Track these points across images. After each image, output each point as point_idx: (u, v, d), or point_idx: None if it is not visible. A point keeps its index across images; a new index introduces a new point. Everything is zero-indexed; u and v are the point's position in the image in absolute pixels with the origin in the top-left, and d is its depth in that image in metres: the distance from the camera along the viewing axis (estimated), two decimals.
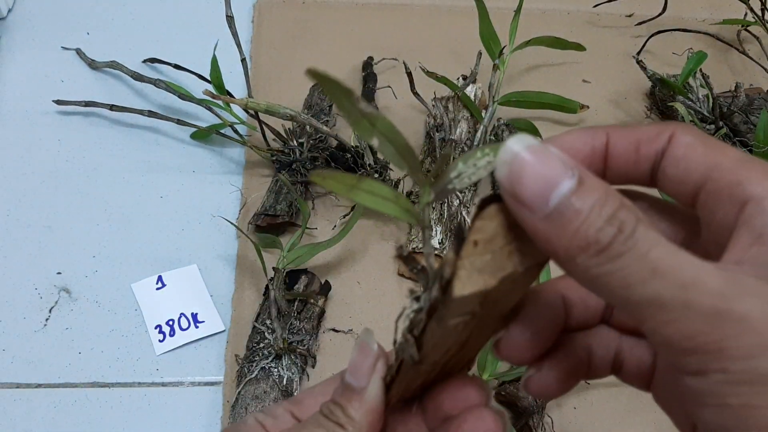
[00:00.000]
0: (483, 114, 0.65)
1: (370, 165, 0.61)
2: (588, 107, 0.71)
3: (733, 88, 0.72)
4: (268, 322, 0.53)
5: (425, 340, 0.23)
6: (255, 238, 0.58)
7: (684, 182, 0.23)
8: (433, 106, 0.67)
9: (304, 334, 0.53)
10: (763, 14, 0.75)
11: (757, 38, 0.78)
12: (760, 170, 0.21)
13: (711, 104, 0.68)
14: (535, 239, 0.21)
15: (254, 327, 0.54)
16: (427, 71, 0.63)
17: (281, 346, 0.51)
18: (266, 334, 0.52)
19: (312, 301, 0.55)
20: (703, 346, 0.19)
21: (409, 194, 0.63)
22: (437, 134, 0.64)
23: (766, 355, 0.19)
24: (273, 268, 0.55)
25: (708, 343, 0.19)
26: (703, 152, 0.22)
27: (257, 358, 0.52)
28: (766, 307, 0.19)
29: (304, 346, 0.53)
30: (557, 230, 0.20)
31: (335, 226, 0.62)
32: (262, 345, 0.52)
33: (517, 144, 0.21)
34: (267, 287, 0.55)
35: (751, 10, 0.75)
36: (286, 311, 0.54)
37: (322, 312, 0.56)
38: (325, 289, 0.57)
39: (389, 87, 0.71)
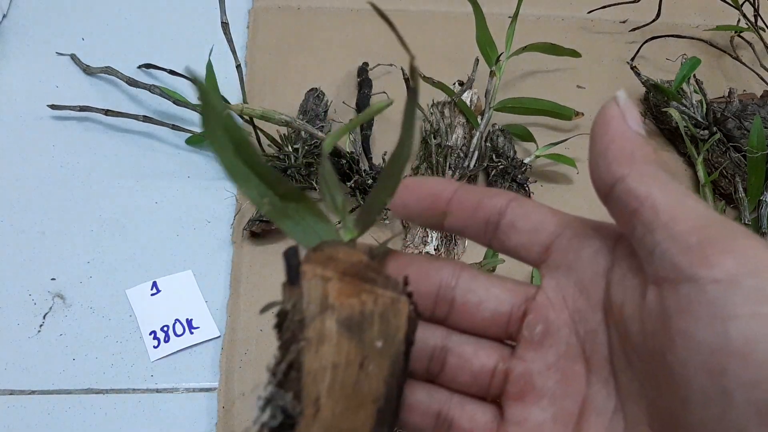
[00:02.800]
0: (479, 120, 0.65)
1: (365, 171, 0.61)
2: (583, 114, 0.72)
3: (726, 94, 0.72)
4: None
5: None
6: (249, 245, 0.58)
7: (538, 231, 0.27)
8: (430, 112, 0.67)
9: None
10: (755, 20, 0.76)
11: (750, 44, 0.79)
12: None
13: (705, 110, 0.69)
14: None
15: None
16: (424, 77, 0.63)
17: None
18: None
19: None
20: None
21: None
22: (434, 140, 0.64)
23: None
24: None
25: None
26: (550, 211, 0.27)
27: None
28: None
29: None
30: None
31: None
32: None
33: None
34: None
35: (744, 16, 0.75)
36: None
37: None
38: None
39: (384, 93, 0.71)
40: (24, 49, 0.74)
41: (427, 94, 0.67)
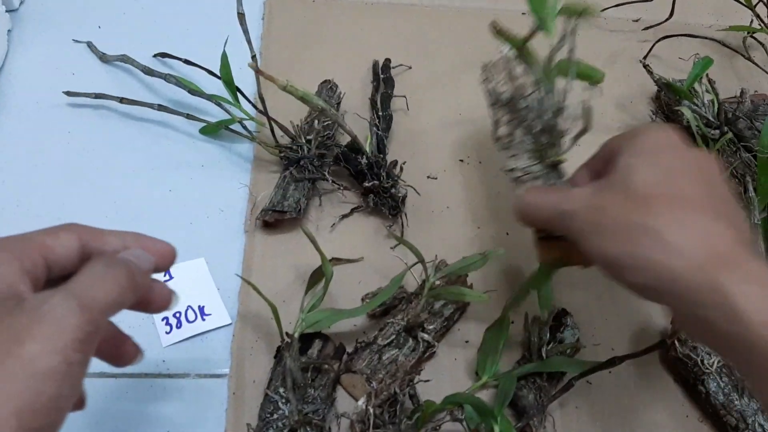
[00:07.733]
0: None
1: (383, 176, 0.60)
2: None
3: (738, 94, 0.72)
4: (281, 390, 0.50)
5: None
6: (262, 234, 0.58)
7: None
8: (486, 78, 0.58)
9: (320, 403, 0.50)
10: None
11: (763, 45, 0.79)
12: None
13: (716, 109, 0.69)
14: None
15: (266, 395, 0.51)
16: (498, 29, 0.53)
17: (296, 418, 0.48)
18: (279, 404, 0.49)
19: (326, 366, 0.52)
20: None
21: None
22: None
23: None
24: (286, 333, 0.52)
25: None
26: None
27: (271, 431, 0.49)
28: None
29: (319, 416, 0.50)
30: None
31: (334, 225, 0.62)
32: (275, 416, 0.49)
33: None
34: (279, 350, 0.53)
35: (758, 16, 0.75)
36: (302, 382, 0.50)
37: (338, 378, 0.53)
38: (340, 351, 0.54)
39: (404, 97, 0.71)
40: (41, 36, 0.74)
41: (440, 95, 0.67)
